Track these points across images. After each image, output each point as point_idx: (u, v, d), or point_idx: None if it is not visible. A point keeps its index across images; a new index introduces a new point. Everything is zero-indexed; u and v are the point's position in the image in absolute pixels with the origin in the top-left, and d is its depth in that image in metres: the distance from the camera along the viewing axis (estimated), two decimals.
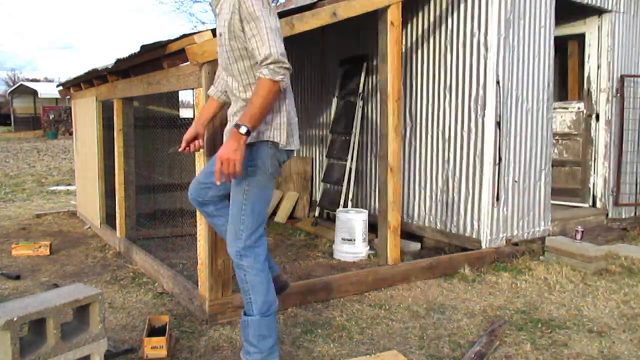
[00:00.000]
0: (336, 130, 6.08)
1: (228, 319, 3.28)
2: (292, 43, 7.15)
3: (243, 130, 2.24)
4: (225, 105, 2.79)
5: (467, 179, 4.64)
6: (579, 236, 4.60)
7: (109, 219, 5.52)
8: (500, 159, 4.55)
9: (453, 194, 4.78)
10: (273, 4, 2.58)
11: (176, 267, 4.20)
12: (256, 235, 2.50)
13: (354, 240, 4.80)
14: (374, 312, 3.50)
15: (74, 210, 7.09)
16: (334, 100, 6.19)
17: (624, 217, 5.88)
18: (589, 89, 5.76)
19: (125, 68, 4.41)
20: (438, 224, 4.97)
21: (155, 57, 3.74)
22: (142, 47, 3.47)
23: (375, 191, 5.72)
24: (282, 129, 2.45)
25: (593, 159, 5.77)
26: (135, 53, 3.68)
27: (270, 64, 2.25)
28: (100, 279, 4.25)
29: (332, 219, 5.18)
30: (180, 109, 7.41)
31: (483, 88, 4.47)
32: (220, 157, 2.27)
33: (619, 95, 5.67)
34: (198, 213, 3.28)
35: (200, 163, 3.22)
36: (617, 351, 2.95)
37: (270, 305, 2.55)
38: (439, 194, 4.93)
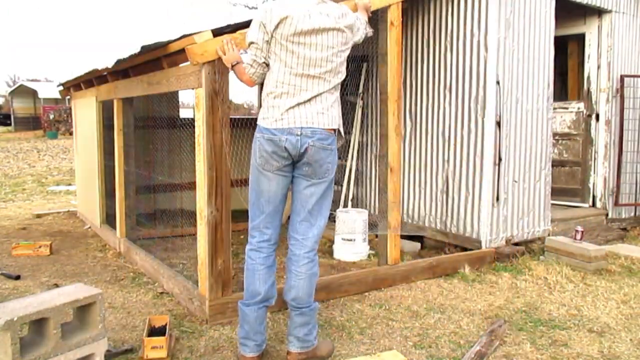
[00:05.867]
0: None
1: (228, 319, 3.28)
2: None
3: None
4: None
5: (467, 179, 4.64)
6: (578, 236, 4.60)
7: (109, 219, 5.52)
8: (500, 159, 4.55)
9: (453, 194, 4.78)
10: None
11: (176, 267, 4.20)
12: (251, 225, 2.75)
13: (354, 240, 4.80)
14: (374, 312, 3.49)
15: (74, 210, 7.09)
16: None
17: (624, 217, 5.89)
18: (589, 89, 5.76)
19: (125, 68, 4.42)
20: (438, 224, 4.97)
21: (155, 57, 3.74)
22: (143, 47, 3.47)
23: (375, 191, 5.72)
24: (262, 112, 2.68)
25: (593, 159, 5.77)
26: (135, 53, 3.68)
27: None
28: (100, 279, 4.25)
29: (332, 219, 5.18)
30: (180, 109, 7.43)
31: (483, 88, 4.47)
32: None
33: (618, 95, 5.67)
34: (199, 212, 3.28)
35: (200, 163, 3.21)
36: (617, 351, 2.95)
37: (250, 296, 2.71)
38: (439, 194, 4.93)
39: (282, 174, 2.68)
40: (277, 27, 2.54)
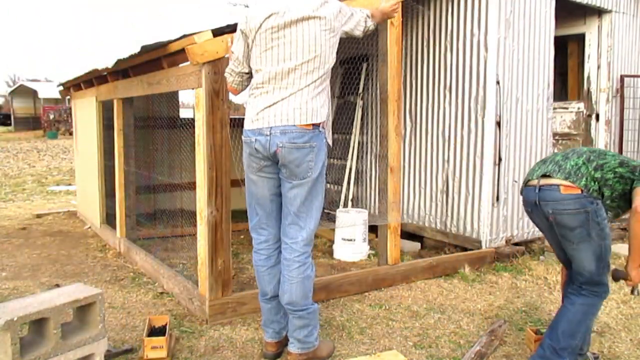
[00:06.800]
0: (336, 130, 6.08)
1: (228, 319, 3.28)
2: None
3: None
4: None
5: (467, 179, 4.64)
6: None
7: (109, 219, 5.52)
8: (500, 159, 4.55)
9: (453, 194, 4.78)
10: None
11: (176, 267, 4.20)
12: (249, 226, 2.82)
13: (354, 240, 4.80)
14: (374, 312, 3.50)
15: (74, 210, 7.09)
16: (334, 100, 6.19)
17: (624, 217, 5.87)
18: (589, 89, 5.76)
19: (125, 68, 4.41)
20: (438, 224, 4.97)
21: (155, 57, 3.74)
22: (142, 47, 3.47)
23: (375, 191, 5.72)
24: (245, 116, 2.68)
25: None
26: (135, 53, 3.68)
27: None
28: (100, 279, 4.25)
29: (332, 219, 5.19)
30: (180, 109, 7.44)
31: (483, 88, 4.47)
32: None
33: (618, 95, 5.67)
34: (199, 212, 3.28)
35: (200, 163, 3.21)
36: (617, 351, 2.95)
37: (261, 293, 2.82)
38: (439, 194, 4.93)
39: (266, 176, 2.63)
40: (260, 26, 2.52)
